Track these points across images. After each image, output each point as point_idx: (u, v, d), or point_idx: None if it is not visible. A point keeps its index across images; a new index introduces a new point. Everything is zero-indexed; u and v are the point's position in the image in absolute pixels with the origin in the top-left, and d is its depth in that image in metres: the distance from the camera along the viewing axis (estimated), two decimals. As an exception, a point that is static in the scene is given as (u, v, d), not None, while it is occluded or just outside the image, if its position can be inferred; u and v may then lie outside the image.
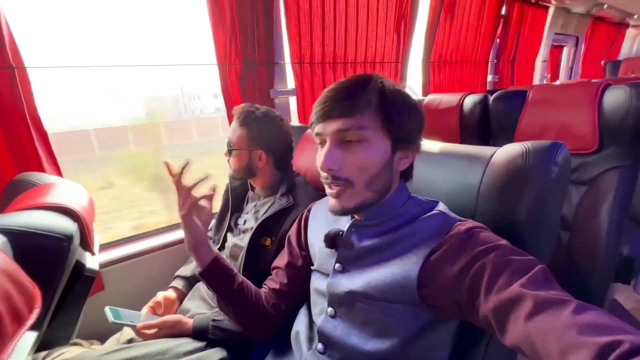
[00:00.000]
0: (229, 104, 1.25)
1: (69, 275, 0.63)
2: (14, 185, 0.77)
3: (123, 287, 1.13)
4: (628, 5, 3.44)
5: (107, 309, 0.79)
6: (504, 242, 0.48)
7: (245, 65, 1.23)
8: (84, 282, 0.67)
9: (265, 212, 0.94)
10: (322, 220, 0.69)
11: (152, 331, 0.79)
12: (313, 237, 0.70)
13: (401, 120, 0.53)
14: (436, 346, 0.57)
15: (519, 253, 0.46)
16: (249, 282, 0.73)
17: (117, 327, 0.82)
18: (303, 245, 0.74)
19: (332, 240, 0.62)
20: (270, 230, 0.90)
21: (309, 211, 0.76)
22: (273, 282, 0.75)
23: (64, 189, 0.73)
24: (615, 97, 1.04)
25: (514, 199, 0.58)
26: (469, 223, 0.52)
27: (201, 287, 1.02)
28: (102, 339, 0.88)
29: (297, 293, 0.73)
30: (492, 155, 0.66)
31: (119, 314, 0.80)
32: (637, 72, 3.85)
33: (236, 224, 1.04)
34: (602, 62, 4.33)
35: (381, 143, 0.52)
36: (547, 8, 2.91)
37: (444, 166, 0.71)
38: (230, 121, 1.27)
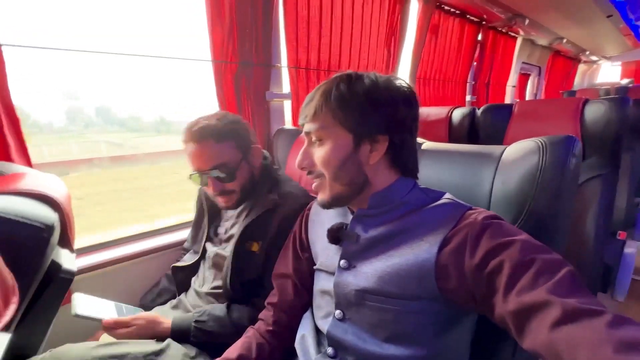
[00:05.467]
0: (223, 103, 1.20)
1: (43, 276, 0.53)
2: (-25, 174, 0.67)
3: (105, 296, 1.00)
4: (582, 42, 3.85)
5: (75, 295, 0.67)
6: (524, 235, 0.45)
7: (242, 66, 1.20)
8: (59, 284, 0.58)
9: (247, 215, 0.85)
10: (324, 216, 0.66)
11: (126, 330, 0.69)
12: (315, 234, 0.67)
13: (355, 117, 0.53)
14: (456, 346, 0.54)
15: (543, 250, 0.43)
16: (261, 343, 0.67)
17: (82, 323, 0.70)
18: (305, 246, 0.69)
19: (336, 234, 0.58)
20: (256, 234, 0.82)
21: (309, 209, 0.73)
22: (280, 300, 0.70)
23: (40, 179, 0.64)
24: (595, 111, 1.11)
25: (531, 195, 0.57)
26: (484, 212, 0.51)
27: (184, 299, 0.92)
28: None
29: (306, 301, 0.68)
30: (502, 153, 0.66)
31: (86, 305, 0.67)
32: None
33: (216, 234, 0.94)
34: (561, 92, 4.77)
35: (340, 139, 0.54)
36: (516, 38, 3.18)
37: (454, 166, 0.71)
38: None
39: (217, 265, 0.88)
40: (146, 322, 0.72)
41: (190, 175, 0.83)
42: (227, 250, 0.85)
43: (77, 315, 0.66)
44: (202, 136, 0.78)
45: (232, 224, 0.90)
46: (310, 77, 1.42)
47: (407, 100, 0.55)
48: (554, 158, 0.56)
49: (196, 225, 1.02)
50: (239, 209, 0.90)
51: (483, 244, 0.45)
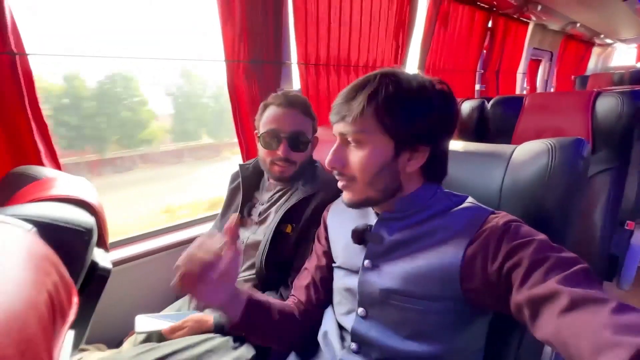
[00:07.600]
0: (235, 101, 1.22)
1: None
2: (10, 178, 0.71)
3: (123, 291, 1.06)
4: (596, 25, 3.73)
5: (137, 318, 0.80)
6: (542, 236, 0.47)
7: (253, 64, 1.21)
8: (97, 281, 0.63)
9: (288, 200, 0.89)
10: (345, 215, 0.67)
11: (181, 332, 0.77)
12: (335, 234, 0.69)
13: (402, 124, 0.52)
14: (473, 343, 0.57)
15: (559, 249, 0.45)
16: (277, 302, 0.67)
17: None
18: (324, 244, 0.72)
19: (360, 235, 0.60)
20: (291, 218, 0.86)
21: (327, 210, 0.75)
22: (303, 287, 0.72)
23: (73, 183, 0.69)
24: (606, 104, 1.11)
25: (540, 194, 0.59)
26: (505, 216, 0.52)
27: None
28: (108, 344, 0.83)
29: (327, 295, 0.70)
30: (511, 153, 0.68)
31: (146, 322, 0.81)
32: (602, 87, 4.18)
33: (249, 214, 0.97)
34: (573, 77, 4.64)
35: (380, 145, 0.53)
36: (527, 24, 3.10)
37: (464, 165, 0.72)
38: (237, 118, 1.25)
39: (249, 247, 0.91)
40: (194, 322, 0.79)
41: (261, 133, 0.87)
42: (261, 231, 0.89)
43: (140, 333, 0.79)
44: (294, 104, 0.87)
45: (267, 207, 0.93)
46: (320, 72, 1.43)
47: (451, 106, 0.55)
48: (563, 160, 0.58)
49: (226, 209, 1.03)
50: (275, 193, 0.93)
51: (503, 246, 0.47)
